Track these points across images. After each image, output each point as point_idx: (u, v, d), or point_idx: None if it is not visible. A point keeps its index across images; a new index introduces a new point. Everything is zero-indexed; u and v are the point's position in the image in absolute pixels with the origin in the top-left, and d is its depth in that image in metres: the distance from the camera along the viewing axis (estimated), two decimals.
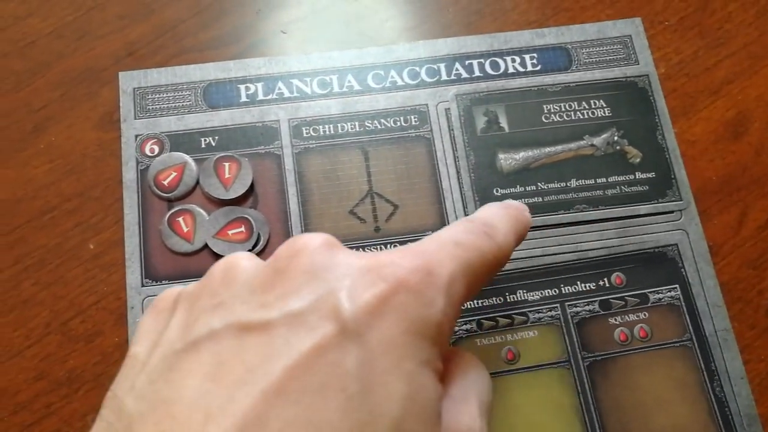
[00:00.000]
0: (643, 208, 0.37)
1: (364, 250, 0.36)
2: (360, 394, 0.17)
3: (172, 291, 0.23)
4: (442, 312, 0.20)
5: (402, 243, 0.36)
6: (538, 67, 0.40)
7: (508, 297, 0.35)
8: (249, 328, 0.19)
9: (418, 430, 0.18)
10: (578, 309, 0.35)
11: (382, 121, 0.38)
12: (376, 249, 0.36)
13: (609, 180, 0.37)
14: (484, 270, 0.23)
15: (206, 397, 0.18)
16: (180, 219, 0.36)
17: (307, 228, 0.36)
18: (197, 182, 0.37)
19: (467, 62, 0.39)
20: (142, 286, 0.35)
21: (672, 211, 0.37)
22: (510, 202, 0.28)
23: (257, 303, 0.20)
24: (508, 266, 0.36)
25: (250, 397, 0.17)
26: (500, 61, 0.40)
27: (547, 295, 0.35)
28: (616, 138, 0.38)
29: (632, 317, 0.35)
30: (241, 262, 0.22)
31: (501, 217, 0.26)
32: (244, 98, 0.38)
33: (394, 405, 0.18)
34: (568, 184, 0.37)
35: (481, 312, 0.35)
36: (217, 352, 0.19)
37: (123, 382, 0.21)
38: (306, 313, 0.19)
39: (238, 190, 0.36)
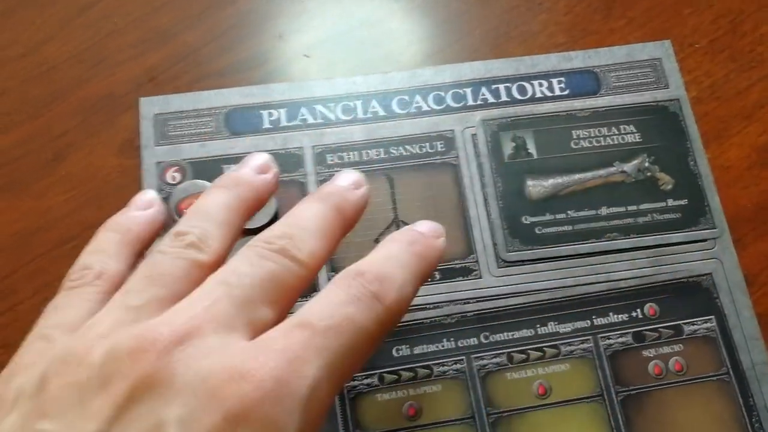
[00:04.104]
0: (676, 237, 0.36)
1: None
2: None
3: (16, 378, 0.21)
4: None
5: None
6: (566, 92, 0.39)
7: (538, 329, 0.34)
8: None
9: None
10: (611, 341, 0.34)
11: (408, 147, 0.38)
12: None
13: (640, 207, 0.37)
14: (364, 349, 0.21)
15: None
16: None
17: (331, 261, 0.35)
18: None
19: (494, 86, 0.39)
20: None
21: (705, 240, 0.36)
22: (419, 230, 0.26)
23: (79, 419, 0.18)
24: (538, 297, 0.35)
25: None
26: (527, 85, 0.39)
27: (579, 327, 0.35)
28: (647, 164, 0.37)
29: (667, 350, 0.34)
30: (91, 358, 0.19)
31: (401, 261, 0.23)
32: (267, 124, 0.38)
33: None
34: (599, 212, 0.36)
35: (511, 345, 0.34)
36: None
37: None
38: None
39: (262, 219, 0.36)
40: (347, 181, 0.27)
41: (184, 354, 0.19)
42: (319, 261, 0.24)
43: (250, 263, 0.22)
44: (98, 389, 0.18)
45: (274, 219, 0.36)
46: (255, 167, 0.28)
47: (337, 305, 0.21)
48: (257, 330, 0.21)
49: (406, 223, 0.36)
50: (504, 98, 0.39)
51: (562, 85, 0.39)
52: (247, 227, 0.35)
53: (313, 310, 0.21)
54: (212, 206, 0.26)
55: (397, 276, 0.23)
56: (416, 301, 0.35)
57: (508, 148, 0.38)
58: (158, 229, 0.28)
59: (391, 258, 0.24)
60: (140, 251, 0.27)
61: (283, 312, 0.22)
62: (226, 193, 0.26)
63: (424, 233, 0.26)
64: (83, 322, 0.22)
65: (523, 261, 0.36)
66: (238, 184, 0.27)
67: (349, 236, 0.36)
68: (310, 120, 0.38)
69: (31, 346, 0.23)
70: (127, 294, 0.22)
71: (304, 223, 0.25)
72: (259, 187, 0.28)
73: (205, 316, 0.20)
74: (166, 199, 0.36)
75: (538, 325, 0.34)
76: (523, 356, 0.34)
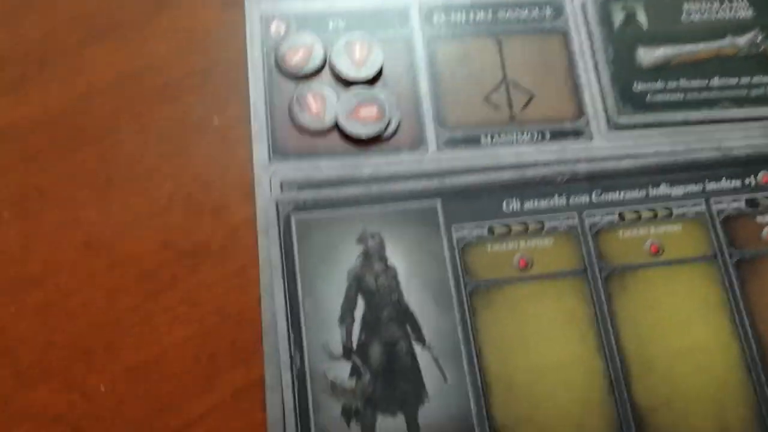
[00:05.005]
0: None
1: (499, 137, 0.34)
2: None
3: None
4: None
5: (537, 132, 0.35)
6: None
7: (650, 191, 0.34)
8: None
9: None
10: (723, 206, 0.34)
11: (516, 11, 0.37)
12: (511, 137, 0.34)
13: (753, 80, 0.36)
14: None
15: None
16: (309, 97, 0.35)
17: (439, 115, 0.35)
18: (325, 62, 0.35)
19: None
20: (270, 162, 0.34)
21: None
22: None
23: None
24: (649, 161, 0.34)
25: None
26: None
27: (691, 191, 0.34)
28: (759, 39, 0.37)
29: None
30: None
31: None
32: None
33: None
34: (711, 83, 0.36)
35: (622, 204, 0.33)
36: None
37: None
38: None
39: (369, 71, 0.35)
40: None
41: None
42: None
43: None
44: None
45: (380, 72, 0.35)
46: None
47: None
48: None
49: (516, 84, 0.35)
50: None
51: None
52: (354, 78, 0.35)
53: None
54: None
55: None
56: (526, 158, 0.34)
57: (618, 17, 0.37)
58: None
59: None
60: None
61: None
62: None
63: None
64: None
65: (634, 125, 0.35)
66: None
67: (456, 93, 0.35)
68: None
69: None
70: None
71: None
72: None
73: None
74: (270, 51, 0.36)
75: (650, 186, 0.34)
76: (635, 216, 0.33)
